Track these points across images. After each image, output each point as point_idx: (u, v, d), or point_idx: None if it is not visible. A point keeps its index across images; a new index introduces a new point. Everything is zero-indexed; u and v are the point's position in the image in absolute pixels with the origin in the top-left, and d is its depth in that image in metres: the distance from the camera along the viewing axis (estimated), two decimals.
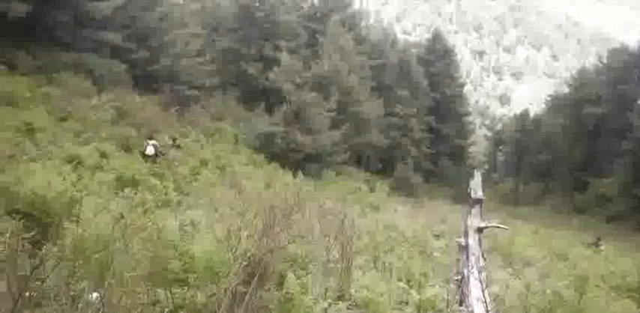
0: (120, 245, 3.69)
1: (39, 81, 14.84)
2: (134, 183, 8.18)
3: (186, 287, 3.88)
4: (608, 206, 30.86)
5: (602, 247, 17.65)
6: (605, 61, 40.77)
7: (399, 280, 5.73)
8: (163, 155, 12.03)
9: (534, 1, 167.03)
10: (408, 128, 34.01)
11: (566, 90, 45.44)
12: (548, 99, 49.57)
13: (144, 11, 20.39)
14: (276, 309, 3.76)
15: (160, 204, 7.22)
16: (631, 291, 7.98)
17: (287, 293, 3.90)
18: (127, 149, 11.77)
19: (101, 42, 18.10)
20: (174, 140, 14.91)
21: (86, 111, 13.92)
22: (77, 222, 3.71)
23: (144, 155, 11.61)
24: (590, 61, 54.30)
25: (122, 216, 3.97)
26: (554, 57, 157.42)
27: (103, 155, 10.07)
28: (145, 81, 19.56)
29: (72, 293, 3.23)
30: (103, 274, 3.44)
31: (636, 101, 34.18)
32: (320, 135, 22.67)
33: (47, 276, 3.02)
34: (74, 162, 8.22)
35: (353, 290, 4.68)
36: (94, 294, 3.34)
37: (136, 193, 6.85)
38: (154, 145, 11.79)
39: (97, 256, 3.54)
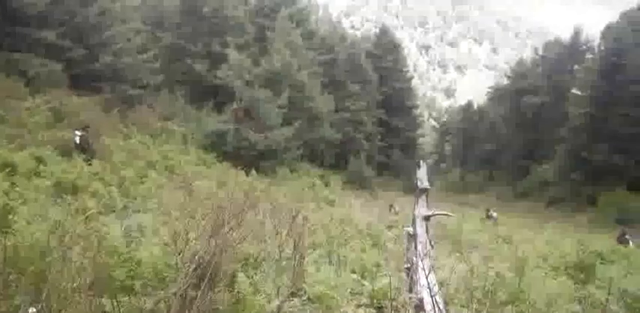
0: (58, 255, 3.50)
1: None
2: (75, 189, 7.78)
3: (132, 295, 3.75)
4: (548, 190, 32.83)
5: (494, 214, 19.11)
6: (541, 54, 43.19)
7: (353, 272, 5.81)
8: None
9: None
10: (360, 122, 34.55)
11: (506, 81, 47.83)
12: (490, 90, 51.96)
13: (82, 7, 19.24)
14: (227, 310, 3.71)
15: (103, 209, 6.91)
16: (569, 269, 8.56)
17: (238, 293, 3.86)
18: (66, 153, 11.17)
19: (35, 40, 16.98)
20: None
21: (20, 115, 13.06)
22: (6, 233, 3.48)
23: (75, 144, 11.84)
24: (528, 54, 57.22)
25: (59, 224, 3.77)
26: (495, 50, 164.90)
27: (40, 160, 9.48)
28: (85, 80, 18.53)
29: (6, 310, 3.05)
30: (40, 287, 3.25)
31: (570, 91, 36.47)
32: (272, 131, 22.53)
33: None
34: (7, 169, 7.71)
35: (306, 286, 4.70)
36: (31, 309, 3.16)
37: (76, 199, 6.52)
38: (80, 136, 11.89)
39: (32, 268, 3.35)
